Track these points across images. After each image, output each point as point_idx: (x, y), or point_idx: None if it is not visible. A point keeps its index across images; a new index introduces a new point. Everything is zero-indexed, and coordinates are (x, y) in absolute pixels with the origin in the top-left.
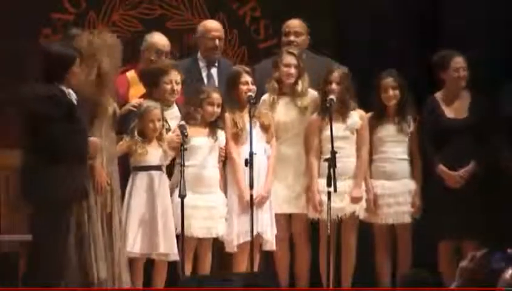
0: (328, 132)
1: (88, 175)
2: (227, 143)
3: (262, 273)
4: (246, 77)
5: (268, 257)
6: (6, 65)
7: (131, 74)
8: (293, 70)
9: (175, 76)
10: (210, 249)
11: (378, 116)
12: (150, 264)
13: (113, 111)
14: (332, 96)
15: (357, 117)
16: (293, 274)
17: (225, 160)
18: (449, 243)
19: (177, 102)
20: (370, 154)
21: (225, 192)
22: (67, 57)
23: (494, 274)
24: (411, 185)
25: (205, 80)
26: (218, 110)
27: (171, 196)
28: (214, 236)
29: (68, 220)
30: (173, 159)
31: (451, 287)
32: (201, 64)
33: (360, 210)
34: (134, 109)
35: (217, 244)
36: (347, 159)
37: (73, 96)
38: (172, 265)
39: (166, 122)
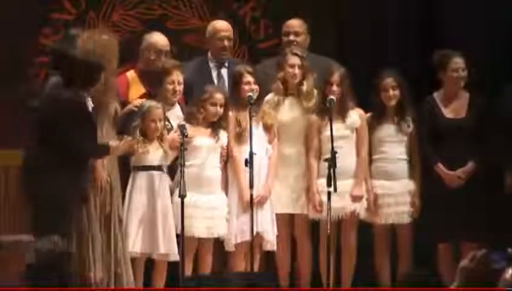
0: (328, 132)
1: (90, 178)
2: (229, 142)
3: (262, 273)
4: (248, 77)
5: (268, 257)
6: (6, 65)
7: (131, 74)
8: (297, 71)
9: (178, 77)
10: (211, 249)
11: (378, 116)
12: (150, 264)
13: (114, 110)
14: (332, 96)
15: (356, 116)
16: (293, 274)
17: (227, 160)
18: (449, 244)
19: (180, 102)
20: (370, 154)
21: (227, 192)
22: (96, 67)
23: (494, 274)
24: (411, 185)
25: (216, 81)
26: (220, 110)
27: (172, 195)
28: (215, 236)
29: (70, 220)
30: (176, 159)
31: (451, 287)
32: (211, 65)
33: (361, 209)
34: (136, 109)
35: (218, 244)
36: (347, 159)
37: (90, 102)
38: (172, 265)
39: (168, 121)
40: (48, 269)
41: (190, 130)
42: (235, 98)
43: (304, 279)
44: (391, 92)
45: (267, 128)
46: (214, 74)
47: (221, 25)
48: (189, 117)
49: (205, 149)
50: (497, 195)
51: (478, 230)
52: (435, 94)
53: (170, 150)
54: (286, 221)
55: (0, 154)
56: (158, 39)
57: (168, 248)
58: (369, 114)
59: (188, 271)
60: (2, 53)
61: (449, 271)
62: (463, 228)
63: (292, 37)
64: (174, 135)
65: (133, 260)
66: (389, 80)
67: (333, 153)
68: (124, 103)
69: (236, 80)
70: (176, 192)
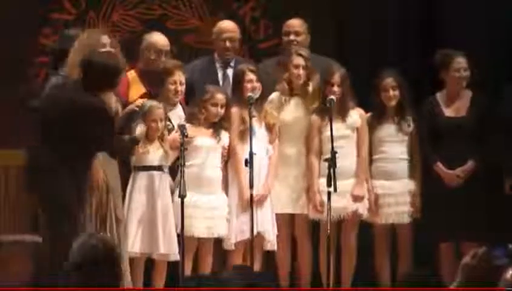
0: (328, 132)
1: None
2: (232, 140)
3: (262, 273)
4: (250, 75)
5: (268, 257)
6: (6, 65)
7: (131, 73)
8: (302, 71)
9: (179, 77)
10: (211, 249)
11: (378, 116)
12: (150, 264)
13: (115, 110)
14: (332, 96)
15: (357, 116)
16: (294, 274)
17: (228, 160)
18: (450, 243)
19: (181, 102)
20: (370, 154)
21: (227, 192)
22: (116, 70)
23: (496, 270)
24: (411, 185)
25: (221, 81)
26: (221, 111)
27: (173, 195)
28: (215, 236)
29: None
30: (177, 159)
31: (453, 284)
32: (217, 65)
33: (364, 209)
34: (137, 109)
35: (217, 244)
36: (348, 158)
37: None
38: (172, 265)
39: (170, 122)
40: (99, 266)
41: (191, 130)
42: (238, 96)
43: (304, 279)
44: (391, 92)
45: (269, 128)
46: (220, 74)
47: (225, 26)
48: (191, 118)
49: (206, 149)
50: (497, 194)
51: (478, 229)
52: (438, 94)
53: (170, 150)
54: (286, 221)
55: (0, 154)
56: (158, 38)
57: (168, 248)
58: (369, 114)
59: (188, 271)
60: (2, 53)
61: (451, 271)
62: (463, 227)
63: (292, 37)
64: (175, 135)
65: (133, 260)
66: (389, 80)
67: (333, 153)
68: (124, 103)
69: (238, 79)
70: (177, 192)
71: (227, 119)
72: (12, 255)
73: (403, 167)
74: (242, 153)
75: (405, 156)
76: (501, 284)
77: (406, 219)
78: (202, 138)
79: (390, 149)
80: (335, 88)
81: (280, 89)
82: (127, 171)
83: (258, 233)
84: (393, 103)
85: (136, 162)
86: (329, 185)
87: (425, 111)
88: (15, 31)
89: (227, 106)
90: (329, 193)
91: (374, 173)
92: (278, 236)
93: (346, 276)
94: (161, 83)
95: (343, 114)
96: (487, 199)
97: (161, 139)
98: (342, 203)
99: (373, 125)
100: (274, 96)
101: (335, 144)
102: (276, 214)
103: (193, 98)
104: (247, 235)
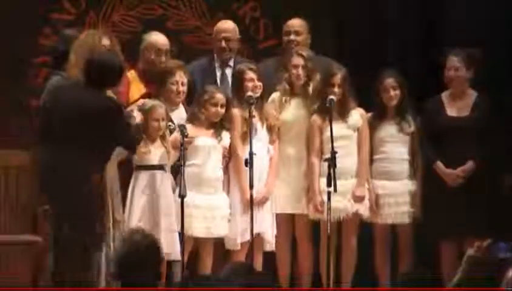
0: (329, 132)
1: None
2: (234, 140)
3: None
4: (251, 74)
5: (268, 257)
6: (6, 65)
7: (131, 74)
8: (301, 71)
9: (181, 77)
10: (212, 249)
11: (379, 116)
12: None
13: None
14: (332, 97)
15: (358, 116)
16: (294, 274)
17: (229, 160)
18: (451, 243)
19: (183, 103)
20: (371, 154)
21: (229, 192)
22: (120, 68)
23: (499, 263)
24: (411, 185)
25: (219, 81)
26: (221, 110)
27: (173, 195)
28: (214, 236)
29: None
30: (179, 159)
31: (456, 276)
32: (216, 65)
33: (365, 210)
34: (138, 109)
35: (217, 244)
36: (349, 158)
37: None
38: (172, 265)
39: (172, 122)
40: (144, 264)
41: (192, 130)
42: (240, 96)
43: (304, 279)
44: (392, 92)
45: (270, 128)
46: (218, 73)
47: (221, 26)
48: (192, 118)
49: (207, 149)
50: (497, 194)
51: (479, 229)
52: (443, 94)
53: (172, 150)
54: (287, 221)
55: (0, 154)
56: (158, 38)
57: (169, 247)
58: (370, 114)
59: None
60: (2, 53)
61: (452, 271)
62: (463, 227)
63: (292, 37)
64: (177, 135)
65: None
66: (390, 81)
67: (333, 153)
68: (124, 102)
69: (239, 78)
70: (177, 192)
71: (228, 119)
72: (13, 255)
73: (404, 167)
74: (243, 153)
75: (406, 156)
76: (502, 284)
77: (406, 219)
78: (203, 138)
79: (391, 149)
80: (336, 89)
81: (281, 89)
82: (127, 171)
83: (258, 233)
84: (394, 103)
85: (138, 161)
86: (329, 185)
87: (428, 110)
88: (15, 31)
89: (228, 106)
90: (329, 193)
91: (375, 173)
92: (278, 237)
93: (346, 276)
94: (162, 84)
95: (343, 115)
96: (487, 199)
97: (163, 138)
98: (343, 203)
99: (374, 125)
100: (275, 96)
101: (335, 144)
102: (277, 214)
103: (194, 98)
104: (248, 236)
